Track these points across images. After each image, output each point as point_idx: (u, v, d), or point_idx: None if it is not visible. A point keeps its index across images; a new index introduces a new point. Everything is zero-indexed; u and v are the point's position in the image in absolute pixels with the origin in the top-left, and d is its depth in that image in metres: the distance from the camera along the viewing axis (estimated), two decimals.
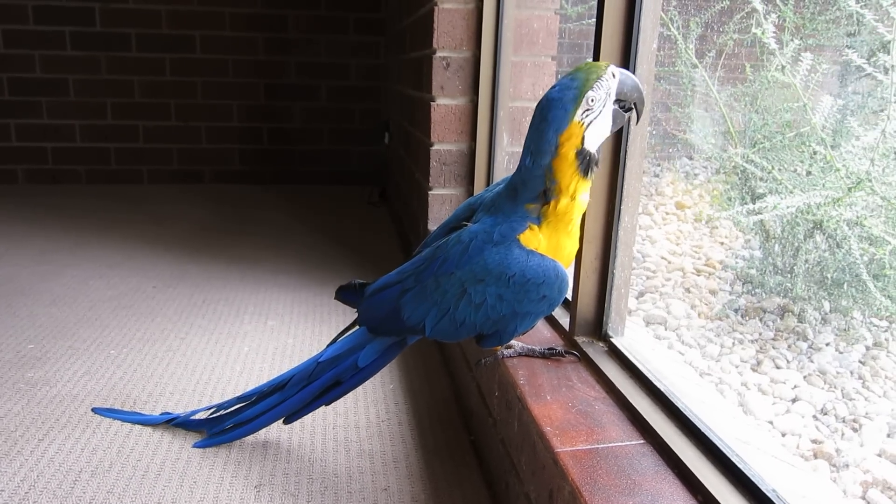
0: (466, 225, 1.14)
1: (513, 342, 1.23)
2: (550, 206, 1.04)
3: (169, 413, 1.52)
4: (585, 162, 1.02)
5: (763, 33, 1.62)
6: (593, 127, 1.01)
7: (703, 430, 0.91)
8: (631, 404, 1.02)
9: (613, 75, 1.00)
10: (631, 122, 1.08)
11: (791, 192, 1.63)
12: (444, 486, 1.30)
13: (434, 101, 2.09)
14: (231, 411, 1.42)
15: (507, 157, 2.03)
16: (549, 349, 1.21)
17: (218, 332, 2.02)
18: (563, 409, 1.03)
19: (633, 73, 1.12)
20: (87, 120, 4.23)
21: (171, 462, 1.35)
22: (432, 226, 2.19)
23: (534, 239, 1.05)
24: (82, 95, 4.18)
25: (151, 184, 4.38)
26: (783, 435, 1.59)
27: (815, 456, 1.49)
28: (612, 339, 1.21)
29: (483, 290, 1.06)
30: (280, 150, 4.47)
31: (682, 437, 0.92)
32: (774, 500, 0.75)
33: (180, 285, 2.42)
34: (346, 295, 1.32)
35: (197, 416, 1.46)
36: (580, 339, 1.24)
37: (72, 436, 1.43)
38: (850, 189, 1.51)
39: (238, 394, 1.61)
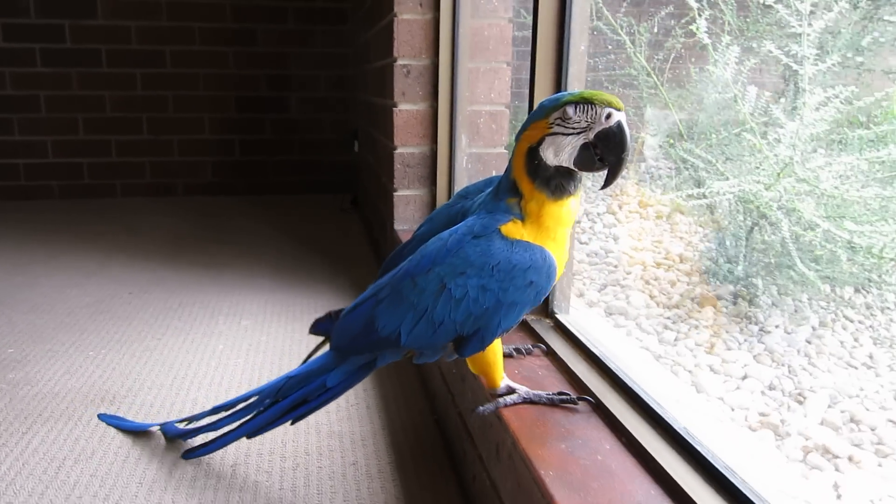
0: None
1: (516, 386, 1.09)
2: (524, 202, 0.98)
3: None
4: (534, 165, 0.96)
5: (698, 29, 1.75)
6: (556, 138, 0.94)
7: (630, 385, 1.02)
8: (570, 369, 1.13)
9: (608, 116, 0.91)
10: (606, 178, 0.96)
11: (727, 180, 1.76)
12: (409, 458, 1.40)
13: (396, 107, 2.20)
14: (200, 426, 1.41)
15: (467, 157, 2.14)
16: (558, 395, 1.07)
17: (193, 332, 2.09)
18: (509, 375, 1.13)
19: (567, 72, 1.23)
20: (59, 136, 4.27)
21: (150, 445, 1.43)
22: (398, 226, 2.29)
23: (517, 231, 0.98)
24: (54, 111, 4.23)
25: (125, 197, 4.43)
26: (732, 409, 1.71)
27: (763, 426, 1.61)
28: (557, 316, 1.32)
29: (464, 282, 0.99)
30: (252, 162, 4.54)
31: (613, 393, 1.03)
32: (684, 435, 0.87)
33: (156, 291, 2.49)
34: (322, 326, 1.26)
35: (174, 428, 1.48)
36: (529, 318, 1.35)
37: (55, 428, 1.50)
38: (778, 174, 1.65)
39: (212, 396, 1.66)
